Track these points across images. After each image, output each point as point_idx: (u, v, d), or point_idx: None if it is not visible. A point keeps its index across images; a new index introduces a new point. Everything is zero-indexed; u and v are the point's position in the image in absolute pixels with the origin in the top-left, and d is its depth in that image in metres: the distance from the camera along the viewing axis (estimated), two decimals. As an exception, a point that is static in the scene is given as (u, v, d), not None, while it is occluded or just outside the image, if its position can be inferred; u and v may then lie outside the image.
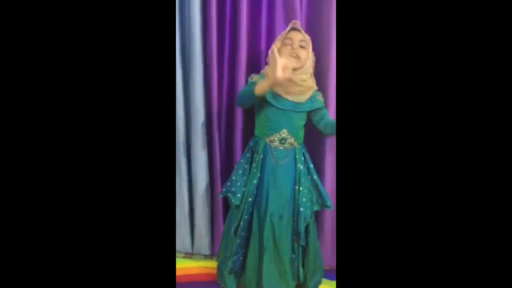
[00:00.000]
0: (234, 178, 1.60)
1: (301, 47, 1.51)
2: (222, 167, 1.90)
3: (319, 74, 1.67)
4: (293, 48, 1.50)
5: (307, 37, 1.53)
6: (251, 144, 1.62)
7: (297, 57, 1.49)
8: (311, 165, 1.62)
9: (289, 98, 1.51)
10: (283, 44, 1.52)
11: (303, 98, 1.53)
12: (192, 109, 1.86)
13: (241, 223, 1.56)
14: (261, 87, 1.40)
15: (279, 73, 1.30)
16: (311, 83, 1.56)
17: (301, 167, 1.57)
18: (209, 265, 1.90)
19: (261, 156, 1.56)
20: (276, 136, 1.55)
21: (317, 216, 1.78)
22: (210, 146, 1.89)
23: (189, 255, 2.01)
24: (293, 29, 1.53)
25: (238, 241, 1.57)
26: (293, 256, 1.60)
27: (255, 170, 1.56)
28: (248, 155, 1.61)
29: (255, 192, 1.56)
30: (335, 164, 1.80)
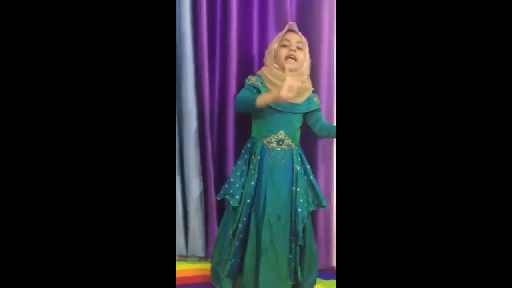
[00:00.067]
0: (232, 180, 1.59)
1: (298, 48, 1.52)
2: (215, 168, 1.89)
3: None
4: (290, 50, 1.50)
5: (304, 39, 1.55)
6: (249, 145, 1.62)
7: (294, 58, 1.50)
8: (308, 166, 1.63)
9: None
10: (281, 46, 1.53)
11: (301, 99, 1.55)
12: (184, 110, 1.84)
13: (240, 225, 1.56)
14: (264, 100, 1.42)
15: (284, 93, 1.32)
16: (308, 84, 1.58)
17: (298, 168, 1.58)
18: (204, 267, 1.89)
19: (259, 158, 1.56)
20: (273, 137, 1.55)
21: (311, 215, 1.79)
22: (202, 147, 1.87)
23: (184, 258, 2.00)
24: (290, 30, 1.54)
25: (237, 243, 1.57)
26: (290, 256, 1.61)
27: (252, 172, 1.56)
28: (246, 156, 1.61)
29: (253, 194, 1.56)
30: (327, 164, 1.82)
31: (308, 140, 1.74)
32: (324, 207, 1.63)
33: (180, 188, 1.92)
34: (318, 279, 1.76)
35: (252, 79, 1.58)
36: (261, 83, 1.55)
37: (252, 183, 1.55)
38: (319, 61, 1.72)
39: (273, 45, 1.55)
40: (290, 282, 1.63)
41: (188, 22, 1.75)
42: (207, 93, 1.81)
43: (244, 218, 1.56)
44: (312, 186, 1.62)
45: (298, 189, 1.57)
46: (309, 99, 1.58)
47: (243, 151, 1.64)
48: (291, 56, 1.51)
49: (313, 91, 1.62)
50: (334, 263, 1.90)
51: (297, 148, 1.61)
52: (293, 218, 1.57)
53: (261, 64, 1.70)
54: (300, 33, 1.55)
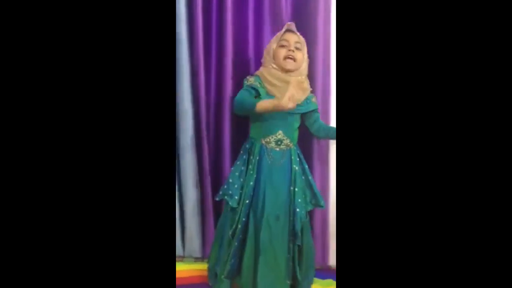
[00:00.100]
0: (230, 180, 1.58)
1: (297, 48, 1.53)
2: (211, 168, 1.89)
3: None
4: (289, 50, 1.51)
5: (302, 39, 1.55)
6: (247, 146, 1.62)
7: (293, 58, 1.51)
8: (306, 166, 1.64)
9: None
10: (279, 46, 1.53)
11: (299, 100, 1.54)
12: (180, 111, 1.83)
13: (239, 226, 1.56)
14: (264, 107, 1.41)
15: (285, 103, 1.32)
16: (306, 85, 1.58)
17: (296, 168, 1.59)
18: (200, 268, 1.89)
19: (257, 158, 1.56)
20: (272, 137, 1.55)
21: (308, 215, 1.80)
22: (198, 147, 1.87)
23: (180, 258, 1.99)
24: (289, 30, 1.54)
25: (236, 243, 1.57)
26: (289, 256, 1.61)
27: (251, 172, 1.56)
28: (244, 157, 1.60)
29: (252, 194, 1.56)
30: (323, 164, 1.83)
31: (304, 139, 1.74)
32: (322, 206, 1.63)
33: (177, 188, 1.91)
34: (315, 279, 1.77)
35: (250, 80, 1.57)
36: (259, 83, 1.55)
37: (251, 183, 1.55)
38: (314, 60, 1.72)
39: (272, 45, 1.55)
40: (288, 282, 1.63)
41: (183, 22, 1.75)
42: (203, 93, 1.81)
43: (244, 219, 1.56)
44: (310, 186, 1.62)
45: (296, 189, 1.57)
46: (307, 99, 1.59)
47: (241, 152, 1.64)
48: (290, 57, 1.51)
49: (311, 92, 1.63)
50: (330, 263, 1.91)
51: (295, 148, 1.62)
52: (291, 218, 1.57)
53: (257, 64, 1.71)
54: (298, 33, 1.55)
